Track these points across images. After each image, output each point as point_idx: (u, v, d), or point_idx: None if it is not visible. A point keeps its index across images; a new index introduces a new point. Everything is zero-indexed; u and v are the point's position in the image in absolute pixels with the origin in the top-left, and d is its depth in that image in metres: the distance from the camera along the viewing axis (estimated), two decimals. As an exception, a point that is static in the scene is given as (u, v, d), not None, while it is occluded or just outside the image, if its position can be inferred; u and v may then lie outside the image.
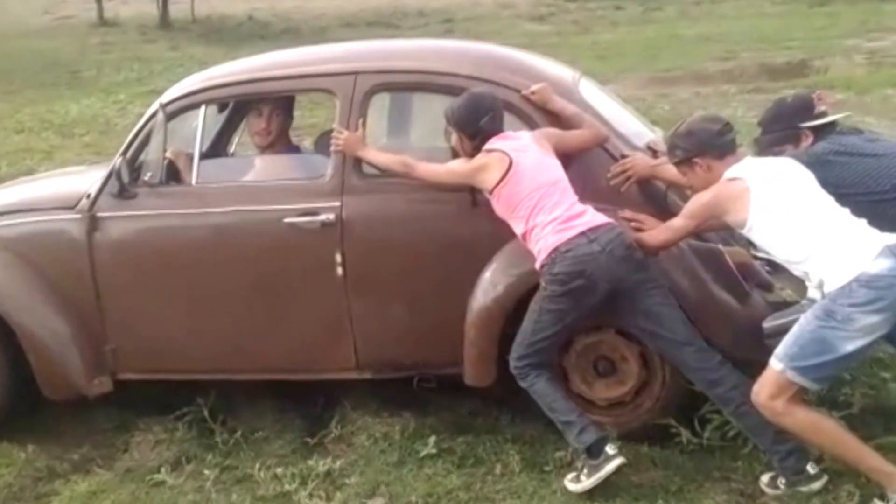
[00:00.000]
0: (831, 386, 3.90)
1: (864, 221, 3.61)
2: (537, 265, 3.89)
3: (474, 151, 4.04)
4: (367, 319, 4.35)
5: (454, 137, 4.12)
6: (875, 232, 3.56)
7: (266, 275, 4.41)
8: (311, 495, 3.91)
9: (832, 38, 17.69)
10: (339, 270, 4.29)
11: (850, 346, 3.45)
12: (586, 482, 3.79)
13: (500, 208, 4.00)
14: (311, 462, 4.12)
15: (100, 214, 4.54)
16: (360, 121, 4.32)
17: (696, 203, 3.81)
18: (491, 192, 3.99)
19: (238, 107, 5.00)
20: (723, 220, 3.79)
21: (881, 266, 3.42)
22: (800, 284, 4.33)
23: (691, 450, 4.04)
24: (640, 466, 3.97)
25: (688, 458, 4.03)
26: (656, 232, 3.93)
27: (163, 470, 4.18)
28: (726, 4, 28.08)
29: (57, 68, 18.67)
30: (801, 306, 3.94)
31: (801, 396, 3.59)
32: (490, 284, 4.15)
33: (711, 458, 4.03)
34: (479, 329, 4.15)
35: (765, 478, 3.82)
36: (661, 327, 3.89)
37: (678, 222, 3.85)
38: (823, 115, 4.14)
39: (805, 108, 4.14)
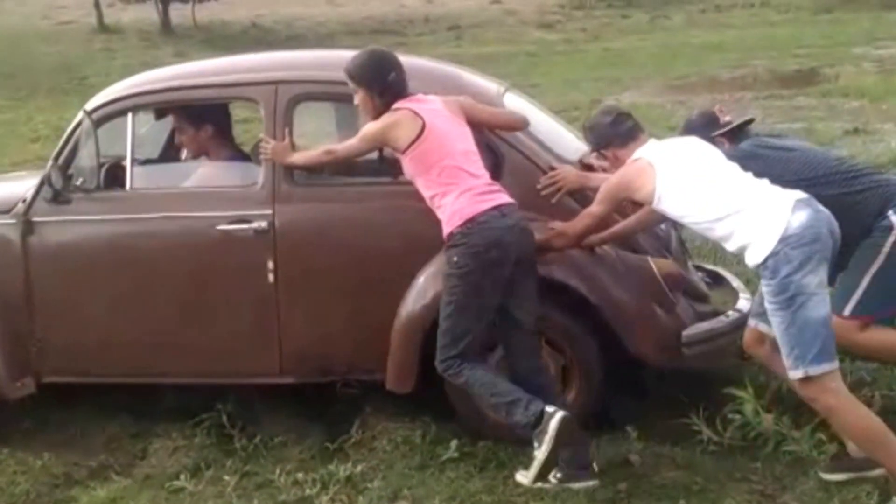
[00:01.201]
0: (851, 387, 3.94)
1: (767, 181, 3.81)
2: (446, 231, 3.97)
3: (384, 109, 4.11)
4: (295, 325, 4.48)
5: (360, 96, 4.17)
6: (781, 189, 3.75)
7: (197, 280, 4.55)
8: (332, 500, 3.92)
9: (840, 46, 17.83)
10: (271, 277, 4.42)
11: (823, 307, 3.59)
12: (542, 449, 3.84)
13: (410, 169, 4.09)
14: (331, 467, 4.13)
15: (34, 219, 4.66)
16: (287, 129, 4.43)
17: (605, 188, 4.02)
18: (403, 152, 4.05)
19: (174, 113, 5.02)
20: (634, 198, 4.01)
21: (800, 220, 3.58)
22: (735, 294, 4.66)
23: (712, 450, 4.09)
24: (661, 467, 4.03)
25: (709, 458, 4.07)
26: (575, 221, 4.11)
27: (182, 476, 4.19)
28: (732, 13, 28.26)
29: (62, 74, 18.77)
30: (721, 318, 4.34)
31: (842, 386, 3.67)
32: (420, 291, 4.26)
33: (732, 459, 4.08)
34: (404, 335, 4.27)
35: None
36: (518, 309, 4.03)
37: (593, 208, 4.05)
38: (729, 123, 4.42)
39: (712, 121, 4.42)
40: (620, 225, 4.26)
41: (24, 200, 4.67)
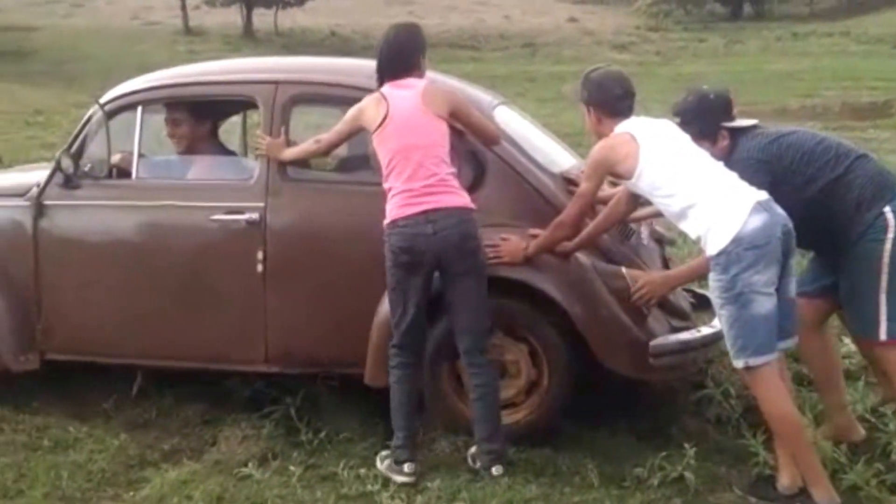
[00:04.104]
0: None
1: (735, 176, 3.90)
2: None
3: None
4: (281, 316, 4.61)
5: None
6: (747, 188, 3.84)
7: (192, 268, 4.72)
8: (392, 497, 3.98)
9: (917, 81, 17.54)
10: (260, 267, 4.57)
11: (768, 304, 3.74)
12: (382, 467, 4.17)
13: (378, 156, 4.20)
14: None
15: (46, 202, 4.87)
16: (283, 128, 4.61)
17: (590, 164, 4.12)
18: (372, 136, 4.18)
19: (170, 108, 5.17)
20: (615, 170, 4.06)
21: (755, 223, 3.70)
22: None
23: (769, 474, 4.07)
24: (716, 487, 4.06)
25: (764, 482, 4.05)
26: (569, 207, 4.20)
27: (250, 464, 4.28)
28: (809, 41, 27.93)
29: (147, 73, 18.99)
30: (692, 332, 4.43)
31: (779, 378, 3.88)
32: None
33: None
34: (383, 331, 4.34)
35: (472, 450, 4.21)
36: (456, 316, 4.16)
37: (582, 187, 4.15)
38: (734, 119, 4.25)
39: (727, 108, 4.23)
40: (590, 226, 4.29)
41: (37, 186, 4.89)
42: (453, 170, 4.17)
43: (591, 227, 4.30)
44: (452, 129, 4.32)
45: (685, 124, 4.15)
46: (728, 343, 3.85)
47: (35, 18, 34.97)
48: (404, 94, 4.16)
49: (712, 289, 3.85)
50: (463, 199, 4.12)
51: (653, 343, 4.28)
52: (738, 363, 3.83)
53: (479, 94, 5.04)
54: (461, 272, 4.11)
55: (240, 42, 30.42)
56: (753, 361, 3.78)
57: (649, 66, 23.45)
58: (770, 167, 4.04)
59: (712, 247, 3.77)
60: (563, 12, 36.80)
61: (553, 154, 4.94)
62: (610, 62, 23.63)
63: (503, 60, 26.08)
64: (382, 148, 4.15)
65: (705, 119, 4.16)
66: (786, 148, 4.10)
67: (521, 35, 31.84)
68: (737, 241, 3.70)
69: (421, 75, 4.27)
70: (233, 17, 33.10)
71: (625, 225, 4.58)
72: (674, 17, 35.92)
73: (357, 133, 4.34)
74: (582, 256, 4.34)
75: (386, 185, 4.14)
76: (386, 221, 4.10)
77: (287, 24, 32.92)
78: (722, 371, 5.00)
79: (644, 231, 4.83)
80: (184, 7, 32.81)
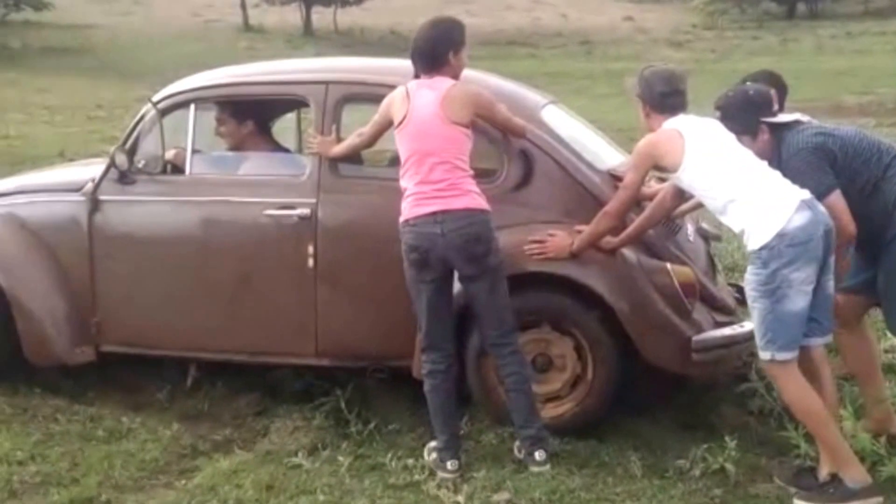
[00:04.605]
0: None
1: (778, 174, 3.96)
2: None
3: None
4: (331, 310, 4.68)
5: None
6: (792, 186, 3.90)
7: (244, 262, 4.79)
8: (438, 486, 4.04)
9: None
10: (311, 262, 4.64)
11: (801, 302, 3.81)
12: (429, 459, 4.22)
13: (398, 150, 4.26)
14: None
15: (101, 197, 4.98)
16: (334, 126, 4.71)
17: (636, 155, 4.20)
18: (395, 130, 4.23)
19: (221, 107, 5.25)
20: (661, 163, 4.13)
21: (800, 220, 3.77)
22: None
23: (810, 465, 4.08)
24: (756, 477, 4.10)
25: (805, 473, 4.06)
26: (614, 199, 4.27)
27: (300, 454, 4.35)
28: (863, 39, 27.62)
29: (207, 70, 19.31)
30: (735, 327, 4.46)
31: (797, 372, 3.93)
32: None
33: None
34: None
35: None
36: (476, 311, 4.23)
37: (627, 178, 4.23)
38: (776, 114, 4.27)
39: (768, 104, 4.26)
40: (636, 222, 4.33)
41: (92, 181, 5.00)
42: (469, 172, 4.17)
43: (637, 223, 4.34)
44: (500, 131, 4.45)
45: (726, 119, 4.19)
46: (757, 335, 3.92)
47: (96, 16, 35.55)
48: (427, 95, 4.16)
49: (749, 282, 3.90)
50: (474, 201, 4.13)
51: (696, 338, 4.31)
52: (765, 355, 3.90)
53: (527, 94, 5.09)
54: (471, 275, 4.15)
55: (299, 40, 30.67)
56: (780, 356, 3.85)
57: (704, 64, 23.33)
58: (824, 154, 4.06)
59: (755, 241, 3.83)
60: (620, 11, 36.68)
61: (601, 152, 4.97)
62: (666, 60, 23.54)
63: (559, 58, 26.08)
64: (400, 146, 4.21)
65: (745, 114, 4.18)
66: (831, 143, 4.11)
67: (578, 33, 31.81)
68: (780, 236, 3.76)
69: (452, 73, 4.25)
70: (292, 15, 33.40)
71: (671, 221, 4.61)
72: (730, 16, 35.68)
73: (389, 125, 4.37)
74: (627, 252, 4.37)
75: (402, 184, 4.19)
76: (401, 220, 4.16)
77: (346, 22, 33.17)
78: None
79: (690, 227, 4.85)
80: (243, 5, 33.15)
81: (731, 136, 4.08)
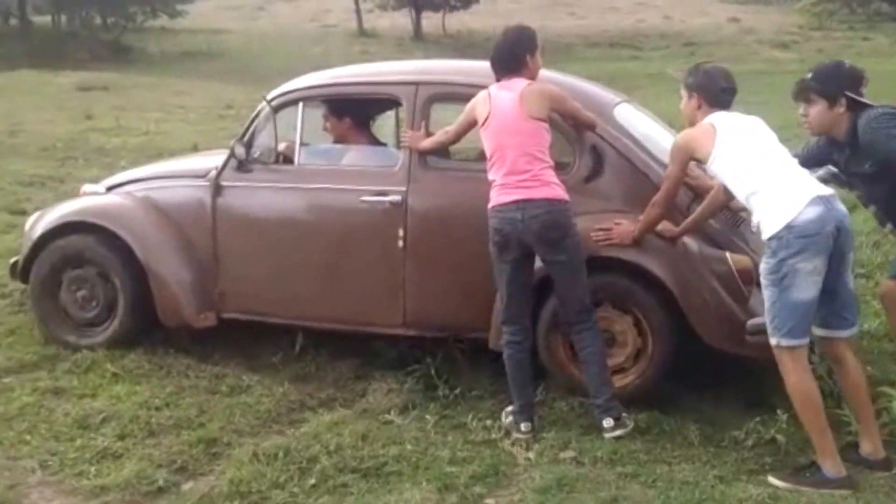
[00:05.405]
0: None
1: (806, 172, 4.14)
2: None
3: None
4: (418, 285, 5.08)
5: None
6: (812, 182, 4.08)
7: (343, 241, 5.21)
8: (513, 444, 4.40)
9: None
10: (400, 243, 5.06)
11: (809, 292, 3.95)
12: (506, 421, 4.56)
13: (484, 147, 4.60)
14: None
15: (223, 183, 5.47)
16: (423, 122, 5.10)
17: (674, 148, 4.42)
18: (479, 129, 4.59)
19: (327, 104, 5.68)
20: (696, 155, 4.32)
21: (810, 214, 3.91)
22: None
23: (853, 441, 4.30)
24: (805, 449, 4.26)
25: (849, 448, 4.27)
26: (661, 188, 4.50)
27: (392, 412, 4.75)
28: (980, 39, 26.63)
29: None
30: None
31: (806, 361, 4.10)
32: None
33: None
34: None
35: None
36: (556, 290, 4.58)
37: (668, 170, 4.47)
38: (862, 95, 4.37)
39: (857, 80, 4.37)
40: (694, 213, 4.61)
41: (216, 168, 5.50)
42: (549, 164, 4.51)
43: (695, 213, 4.62)
44: (574, 127, 4.80)
45: (813, 80, 4.36)
46: (767, 320, 4.08)
47: (226, 22, 36.69)
48: (506, 95, 4.53)
49: (761, 270, 4.08)
50: (553, 191, 4.47)
51: (750, 322, 4.54)
52: (772, 340, 4.05)
53: (601, 93, 5.42)
54: (549, 260, 4.50)
55: (409, 43, 31.09)
56: (785, 342, 4.00)
57: (809, 64, 22.79)
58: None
59: (766, 231, 4.01)
60: (725, 12, 36.15)
61: (669, 146, 5.25)
62: (771, 61, 23.16)
63: (662, 59, 25.86)
64: (485, 143, 4.59)
65: (832, 81, 4.34)
66: None
67: (682, 34, 31.46)
68: (789, 227, 3.92)
69: (529, 74, 4.61)
70: (403, 19, 33.86)
71: (735, 213, 4.83)
72: (839, 17, 34.73)
73: (474, 125, 4.73)
74: (689, 241, 4.66)
75: (490, 176, 4.56)
76: (489, 207, 4.53)
77: (455, 25, 33.49)
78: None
79: (755, 219, 5.07)
80: (358, 10, 33.82)
81: (767, 132, 4.27)
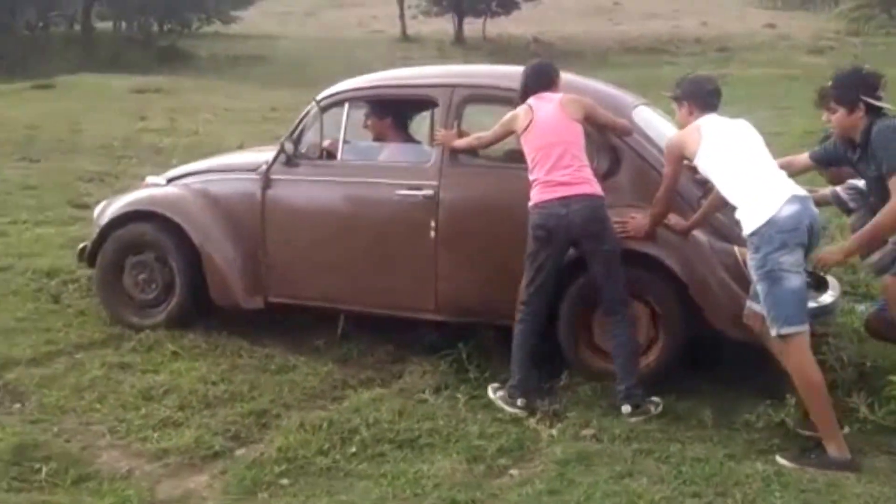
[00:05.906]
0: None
1: (783, 174, 4.38)
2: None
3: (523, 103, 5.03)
4: (448, 274, 5.34)
5: None
6: (790, 183, 4.32)
7: (379, 232, 5.50)
8: (538, 422, 4.67)
9: None
10: (432, 234, 5.33)
11: (796, 281, 4.19)
12: (494, 397, 4.85)
13: (524, 150, 4.89)
14: (542, 401, 4.84)
15: (272, 176, 5.78)
16: (456, 122, 5.38)
17: (666, 150, 4.74)
18: (520, 136, 4.88)
19: (388, 104, 5.94)
20: (684, 153, 4.59)
21: (788, 211, 4.16)
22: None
23: (869, 429, 4.52)
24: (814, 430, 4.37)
25: (863, 434, 4.50)
26: (660, 188, 4.75)
27: (426, 392, 5.03)
28: None
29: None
30: None
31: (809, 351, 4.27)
32: None
33: (886, 437, 4.50)
34: None
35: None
36: (596, 279, 4.84)
37: (665, 170, 4.76)
38: (879, 99, 4.42)
39: (874, 86, 4.44)
40: (701, 209, 4.87)
41: (266, 163, 5.81)
42: (587, 163, 4.83)
43: (702, 208, 4.90)
44: (594, 128, 5.06)
45: (833, 87, 4.46)
46: (765, 313, 4.29)
47: (275, 27, 37.15)
48: (547, 105, 4.91)
49: (749, 266, 4.32)
50: (593, 188, 4.79)
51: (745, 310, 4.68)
52: (773, 331, 4.24)
53: (621, 95, 5.70)
54: (591, 250, 4.79)
55: (450, 49, 31.28)
56: (785, 330, 4.20)
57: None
58: None
59: (747, 227, 4.24)
60: (761, 18, 36.02)
61: None
62: (805, 66, 22.92)
63: (697, 64, 25.82)
64: (528, 146, 4.88)
65: (849, 86, 4.43)
66: None
67: (717, 40, 31.34)
68: (769, 223, 4.16)
69: (557, 90, 4.99)
70: (445, 25, 34.09)
71: None
72: (877, 22, 34.32)
73: (509, 135, 5.07)
74: (700, 235, 4.92)
75: (531, 177, 4.84)
76: (530, 204, 4.82)
77: (495, 31, 33.66)
78: (840, 341, 5.43)
79: (735, 215, 5.27)
80: (402, 16, 34.13)
81: (753, 135, 4.51)
